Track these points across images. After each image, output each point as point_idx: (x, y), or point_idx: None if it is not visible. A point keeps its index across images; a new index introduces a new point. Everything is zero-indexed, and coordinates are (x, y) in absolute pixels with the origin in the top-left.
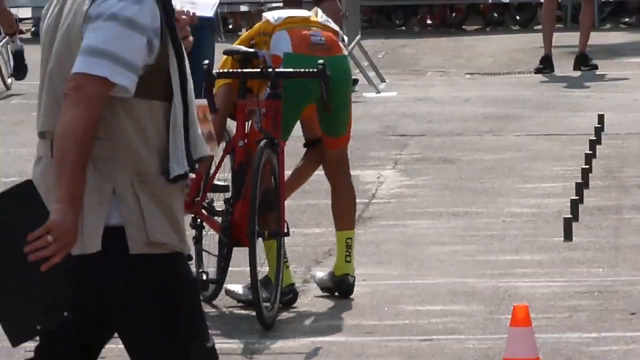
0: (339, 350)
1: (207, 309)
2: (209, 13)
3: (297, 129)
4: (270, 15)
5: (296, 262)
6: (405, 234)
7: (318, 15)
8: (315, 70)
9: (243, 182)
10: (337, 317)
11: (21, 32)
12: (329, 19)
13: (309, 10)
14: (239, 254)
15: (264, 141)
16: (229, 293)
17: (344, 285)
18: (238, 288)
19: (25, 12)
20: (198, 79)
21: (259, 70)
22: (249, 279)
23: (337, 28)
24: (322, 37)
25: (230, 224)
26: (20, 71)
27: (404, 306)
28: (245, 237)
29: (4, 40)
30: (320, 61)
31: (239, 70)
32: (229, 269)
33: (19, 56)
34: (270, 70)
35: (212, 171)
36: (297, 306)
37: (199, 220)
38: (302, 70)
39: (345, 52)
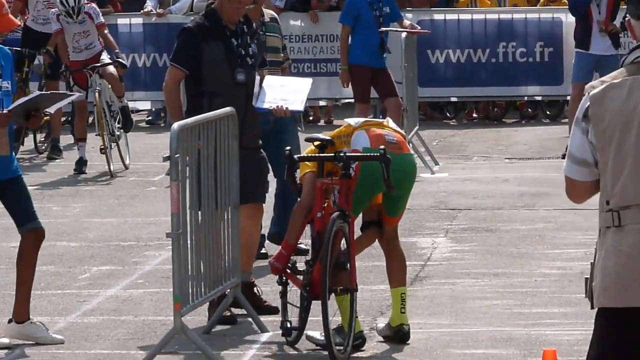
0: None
1: (290, 351)
2: (300, 107)
3: None
4: (351, 120)
5: (364, 313)
6: (455, 290)
7: (389, 122)
8: (378, 154)
9: (320, 247)
10: (398, 358)
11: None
12: (397, 127)
13: None
14: (317, 306)
15: (336, 213)
16: (309, 338)
17: (400, 333)
18: (316, 334)
19: (143, 105)
20: (282, 161)
21: (333, 154)
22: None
23: (404, 133)
24: (394, 137)
25: (310, 281)
26: (127, 123)
27: (452, 350)
28: (321, 293)
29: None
30: (382, 146)
31: (317, 154)
32: (309, 318)
33: (125, 110)
34: (342, 154)
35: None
36: (365, 349)
37: (284, 278)
38: (368, 154)
39: (412, 152)
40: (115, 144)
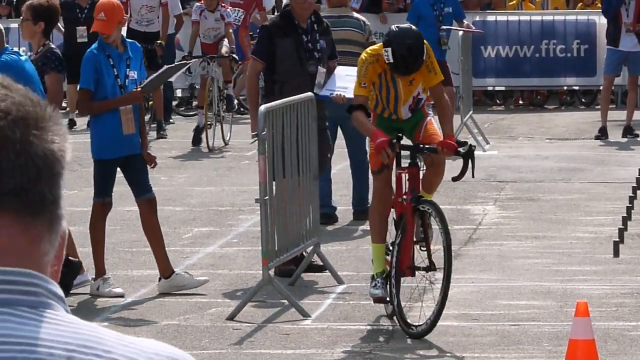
0: (454, 331)
1: (362, 301)
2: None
3: None
4: None
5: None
6: (502, 251)
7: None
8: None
9: (404, 228)
10: (453, 308)
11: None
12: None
13: None
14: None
15: (416, 197)
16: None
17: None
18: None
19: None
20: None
21: (420, 146)
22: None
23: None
24: None
25: (398, 260)
26: (230, 106)
27: (499, 301)
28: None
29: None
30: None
31: (411, 145)
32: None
33: (230, 95)
34: (423, 146)
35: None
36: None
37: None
38: (459, 150)
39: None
40: (219, 123)
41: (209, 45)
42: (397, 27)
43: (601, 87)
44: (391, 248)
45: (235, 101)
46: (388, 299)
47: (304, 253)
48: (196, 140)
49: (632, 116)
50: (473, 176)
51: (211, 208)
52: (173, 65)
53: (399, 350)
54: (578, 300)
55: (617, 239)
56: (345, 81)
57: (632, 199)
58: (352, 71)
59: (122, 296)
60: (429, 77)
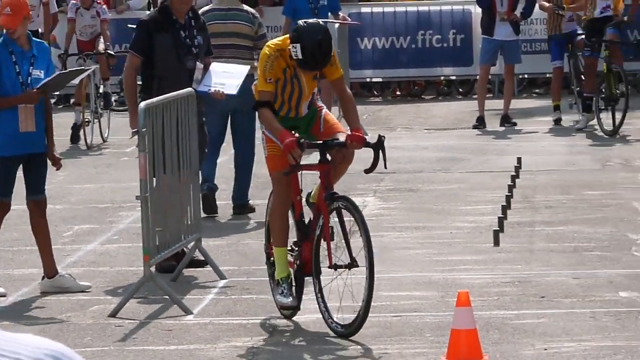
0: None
1: (243, 295)
2: (234, 91)
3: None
4: None
5: None
6: (382, 242)
7: None
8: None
9: (305, 227)
10: (335, 300)
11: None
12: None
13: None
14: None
15: (330, 194)
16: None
17: None
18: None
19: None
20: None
21: (327, 141)
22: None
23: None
24: None
25: (302, 261)
26: (108, 103)
27: (381, 292)
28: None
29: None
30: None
31: (320, 142)
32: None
33: (107, 92)
34: (330, 141)
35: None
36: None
37: (271, 259)
38: (370, 143)
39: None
40: (97, 120)
41: (86, 43)
42: (305, 22)
43: (477, 77)
44: (295, 248)
45: (113, 98)
46: (295, 305)
47: (185, 249)
48: (74, 138)
49: (509, 105)
50: (385, 167)
51: (91, 205)
52: (65, 71)
53: (281, 344)
54: (459, 290)
55: (497, 228)
56: (221, 77)
57: (511, 188)
58: (228, 68)
59: (3, 295)
60: (331, 71)
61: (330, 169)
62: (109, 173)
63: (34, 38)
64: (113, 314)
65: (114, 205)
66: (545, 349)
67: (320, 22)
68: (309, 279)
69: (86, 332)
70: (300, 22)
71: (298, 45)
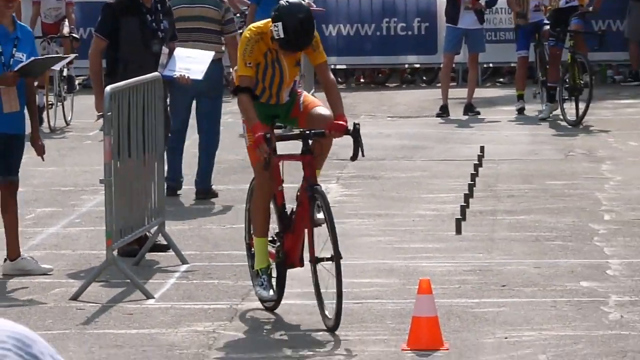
0: (297, 309)
1: (204, 280)
2: (199, 76)
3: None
4: None
5: None
6: (344, 229)
7: None
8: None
9: (287, 218)
10: (296, 287)
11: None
12: None
13: None
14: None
15: (311, 186)
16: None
17: None
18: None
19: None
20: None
21: (302, 132)
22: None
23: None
24: None
25: (285, 252)
26: (72, 87)
27: (343, 279)
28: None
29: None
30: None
31: (292, 133)
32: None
33: (71, 76)
34: (308, 132)
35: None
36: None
37: (252, 249)
38: (350, 130)
39: None
40: (61, 103)
41: (50, 26)
42: (286, 1)
43: (442, 65)
44: (276, 238)
45: (77, 81)
46: (275, 298)
47: (147, 233)
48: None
49: (472, 94)
50: (363, 155)
51: (54, 188)
52: (45, 57)
53: (242, 329)
54: (421, 277)
55: (459, 217)
56: (186, 62)
57: (473, 176)
58: (192, 53)
59: None
60: (314, 56)
61: (312, 159)
62: (72, 156)
63: (18, 21)
64: (75, 297)
65: (77, 188)
66: (506, 338)
67: (302, 2)
68: (291, 271)
69: (48, 315)
70: (282, 1)
71: (280, 23)
